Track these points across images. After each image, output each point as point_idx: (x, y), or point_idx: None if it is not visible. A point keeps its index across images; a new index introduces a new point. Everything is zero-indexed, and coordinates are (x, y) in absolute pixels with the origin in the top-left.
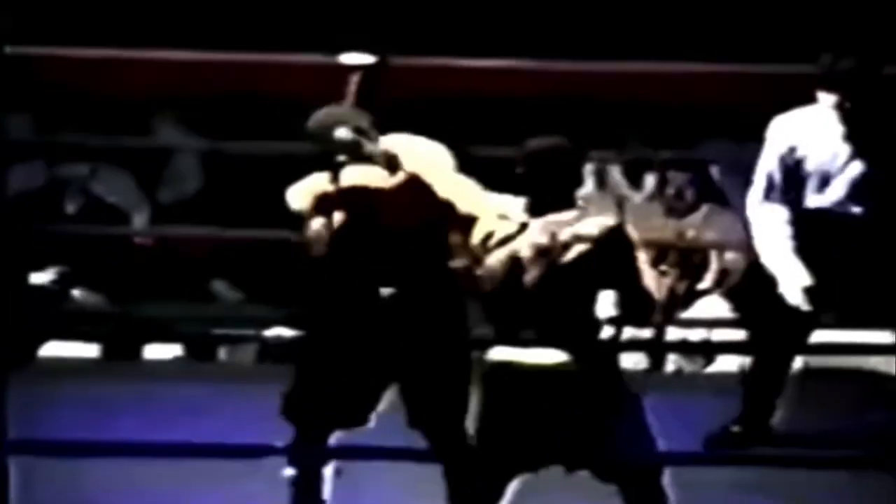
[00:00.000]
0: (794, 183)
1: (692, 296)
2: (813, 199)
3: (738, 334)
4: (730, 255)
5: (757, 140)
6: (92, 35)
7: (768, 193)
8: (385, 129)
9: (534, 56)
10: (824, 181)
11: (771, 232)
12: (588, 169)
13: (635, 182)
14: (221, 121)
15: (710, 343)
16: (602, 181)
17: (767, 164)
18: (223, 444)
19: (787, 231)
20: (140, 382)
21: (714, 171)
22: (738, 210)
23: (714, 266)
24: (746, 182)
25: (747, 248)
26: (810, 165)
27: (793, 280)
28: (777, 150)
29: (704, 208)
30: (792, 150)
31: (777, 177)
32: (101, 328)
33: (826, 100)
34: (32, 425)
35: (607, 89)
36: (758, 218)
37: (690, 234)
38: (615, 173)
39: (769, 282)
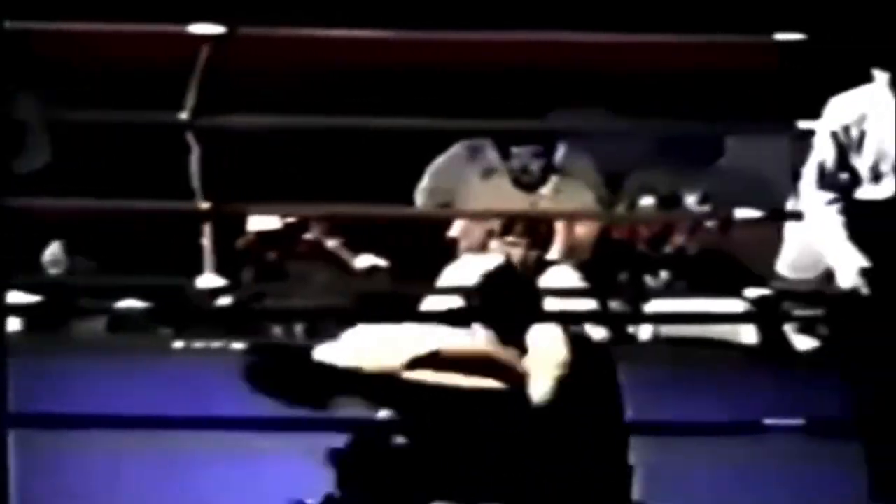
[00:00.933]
0: (847, 165)
1: (542, 266)
2: (868, 182)
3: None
4: (579, 227)
5: (633, 108)
6: None
7: (822, 177)
8: (239, 101)
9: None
10: (879, 162)
11: (823, 218)
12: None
13: (505, 154)
14: (78, 92)
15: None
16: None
17: (820, 146)
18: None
19: (839, 217)
20: None
21: (567, 140)
22: (595, 179)
23: (561, 237)
24: (617, 150)
25: (599, 218)
26: (865, 146)
27: (847, 263)
28: (830, 131)
29: (554, 179)
30: (846, 129)
31: (830, 159)
32: None
33: (882, 78)
34: None
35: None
36: (811, 204)
37: (542, 205)
38: (489, 149)
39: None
